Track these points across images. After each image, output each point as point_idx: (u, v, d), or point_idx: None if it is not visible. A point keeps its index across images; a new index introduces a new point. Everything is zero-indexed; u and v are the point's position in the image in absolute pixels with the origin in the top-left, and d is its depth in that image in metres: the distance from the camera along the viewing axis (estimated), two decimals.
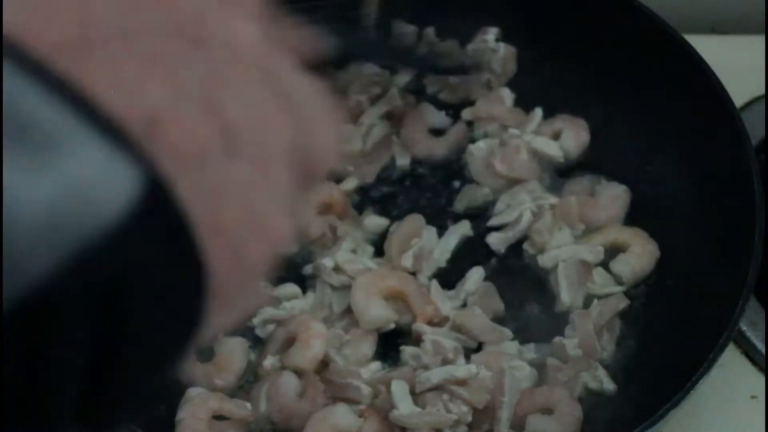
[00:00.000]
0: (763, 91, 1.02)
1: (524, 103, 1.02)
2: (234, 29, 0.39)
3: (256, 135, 0.38)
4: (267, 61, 0.40)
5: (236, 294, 0.38)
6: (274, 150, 0.39)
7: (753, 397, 0.89)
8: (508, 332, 0.87)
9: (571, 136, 0.99)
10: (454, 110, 1.01)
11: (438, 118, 1.01)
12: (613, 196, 0.95)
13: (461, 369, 0.83)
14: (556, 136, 0.99)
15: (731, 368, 0.89)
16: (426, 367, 0.83)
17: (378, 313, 0.86)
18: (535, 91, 1.02)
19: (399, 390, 0.82)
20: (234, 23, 0.39)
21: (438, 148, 1.00)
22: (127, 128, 0.32)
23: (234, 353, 0.86)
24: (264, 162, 0.38)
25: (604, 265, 0.91)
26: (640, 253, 0.91)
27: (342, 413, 0.82)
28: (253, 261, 0.38)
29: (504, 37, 1.02)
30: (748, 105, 1.02)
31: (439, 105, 1.02)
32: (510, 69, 1.01)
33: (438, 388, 0.82)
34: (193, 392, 0.84)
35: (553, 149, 0.98)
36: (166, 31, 0.37)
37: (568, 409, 0.82)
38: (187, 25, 0.37)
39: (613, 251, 0.92)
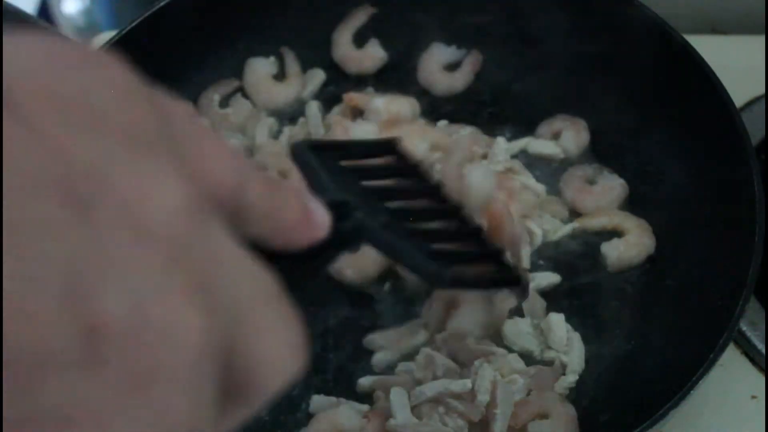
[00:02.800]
0: (763, 91, 1.02)
1: (524, 104, 1.02)
2: (144, 190, 0.29)
3: (141, 338, 0.28)
4: (187, 237, 0.30)
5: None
6: (168, 362, 0.28)
7: (753, 397, 0.89)
8: (501, 351, 0.87)
9: (571, 136, 0.99)
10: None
11: (449, 53, 1.04)
12: (608, 187, 0.96)
13: (456, 383, 0.83)
14: (556, 136, 1.00)
15: (731, 368, 0.89)
16: (419, 382, 0.84)
17: None
18: (535, 90, 1.03)
19: (398, 399, 0.82)
20: (145, 182, 0.29)
21: (456, 81, 1.04)
22: None
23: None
24: (147, 379, 0.28)
25: (595, 246, 0.93)
26: (634, 243, 0.92)
27: (345, 413, 0.82)
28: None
29: (504, 38, 1.02)
30: (748, 105, 1.02)
31: (451, 40, 1.04)
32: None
33: (434, 401, 0.83)
34: None
35: (550, 149, 0.99)
36: (44, 188, 0.27)
37: (562, 410, 0.83)
38: (77, 180, 0.28)
39: (611, 235, 0.94)
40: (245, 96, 1.03)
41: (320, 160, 0.57)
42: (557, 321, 0.88)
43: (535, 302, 0.90)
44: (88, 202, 0.28)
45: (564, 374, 0.87)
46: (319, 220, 0.41)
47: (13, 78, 0.28)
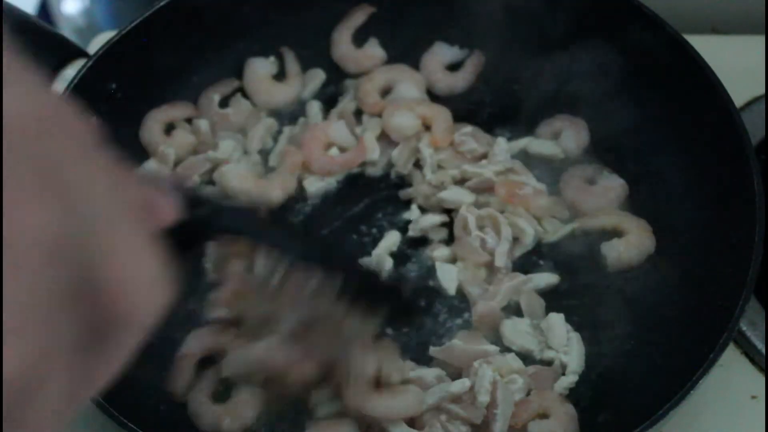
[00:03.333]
0: (763, 91, 1.03)
1: (524, 104, 1.02)
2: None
3: None
4: (41, 139, 0.30)
5: None
6: (10, 244, 0.28)
7: (753, 397, 0.89)
8: (493, 348, 0.87)
9: (571, 136, 0.99)
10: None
11: (452, 53, 1.05)
12: (608, 187, 0.96)
13: (455, 384, 0.83)
14: (556, 136, 1.00)
15: (731, 368, 0.89)
16: None
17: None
18: (535, 91, 1.03)
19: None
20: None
21: (458, 81, 1.04)
22: None
23: (248, 402, 0.85)
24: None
25: (595, 246, 0.93)
26: (634, 243, 0.92)
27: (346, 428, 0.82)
28: None
29: (505, 38, 1.02)
30: (748, 105, 1.02)
31: (451, 40, 1.04)
32: None
33: (435, 409, 0.83)
34: None
35: (550, 149, 0.99)
36: None
37: (563, 409, 0.84)
38: None
39: (611, 235, 0.94)
40: (245, 96, 1.03)
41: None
42: (557, 321, 0.88)
43: (534, 302, 0.90)
44: None
45: (564, 374, 0.87)
46: (163, 204, 0.42)
47: None
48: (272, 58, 1.05)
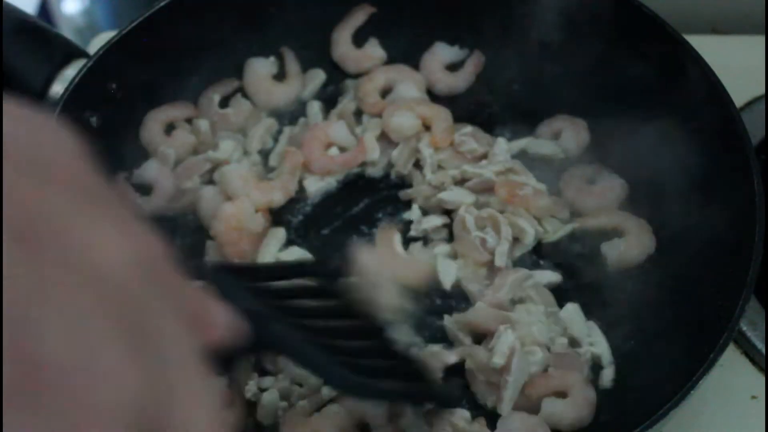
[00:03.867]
0: (763, 91, 1.03)
1: (524, 104, 1.03)
2: (93, 239, 0.30)
3: (77, 378, 0.28)
4: (133, 289, 0.30)
5: None
6: (102, 405, 0.28)
7: (753, 397, 0.89)
8: (520, 315, 0.87)
9: (571, 136, 0.99)
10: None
11: (452, 53, 1.05)
12: (608, 187, 0.96)
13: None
14: (556, 136, 1.00)
15: (731, 368, 0.89)
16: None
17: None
18: (535, 91, 1.03)
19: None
20: (94, 232, 0.31)
21: (458, 81, 1.04)
22: None
23: None
24: (81, 420, 0.28)
25: (595, 246, 0.93)
26: (634, 243, 0.92)
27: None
28: None
29: (505, 38, 1.02)
30: (748, 105, 1.03)
31: (451, 40, 1.04)
32: None
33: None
34: None
35: (550, 149, 0.99)
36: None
37: (583, 392, 0.83)
38: (31, 223, 0.29)
39: (611, 235, 0.94)
40: (245, 96, 1.03)
41: (235, 278, 0.60)
42: (575, 310, 0.88)
43: (544, 293, 0.90)
44: (40, 244, 0.29)
45: (600, 366, 0.87)
46: (219, 320, 0.41)
47: None
48: (272, 59, 1.05)
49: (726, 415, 0.87)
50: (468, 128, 0.99)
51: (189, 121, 1.01)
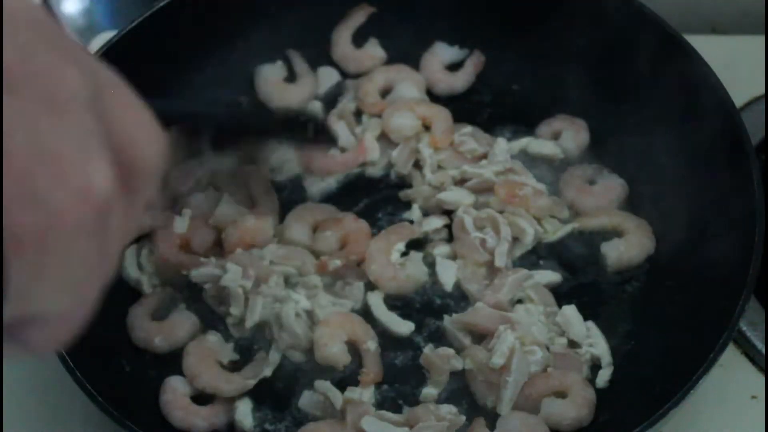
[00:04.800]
0: (763, 91, 1.03)
1: (524, 104, 1.02)
2: (61, 77, 0.41)
3: (39, 77, 0.39)
4: (86, 103, 0.42)
5: (47, 249, 0.37)
6: (63, 93, 0.40)
7: (753, 397, 0.89)
8: (519, 316, 0.87)
9: (570, 136, 0.99)
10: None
11: (452, 52, 1.05)
12: (608, 187, 0.96)
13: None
14: (556, 136, 1.00)
15: (731, 368, 0.89)
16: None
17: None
18: (535, 91, 1.03)
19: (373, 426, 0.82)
20: (63, 69, 0.41)
21: (458, 81, 1.04)
22: None
23: (182, 326, 0.89)
24: (52, 102, 0.39)
25: (595, 246, 0.93)
26: (634, 243, 0.92)
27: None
28: (57, 208, 0.38)
29: (505, 38, 1.02)
30: (748, 105, 1.02)
31: (451, 40, 1.04)
32: None
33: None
34: (173, 381, 0.86)
35: (550, 149, 0.99)
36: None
37: (582, 392, 0.83)
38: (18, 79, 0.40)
39: (611, 235, 0.94)
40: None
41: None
42: (572, 312, 0.88)
43: (544, 293, 0.90)
44: (25, 87, 0.39)
45: (599, 366, 0.87)
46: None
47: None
48: (280, 62, 1.04)
49: (726, 415, 0.87)
50: (468, 128, 0.99)
51: None
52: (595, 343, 0.88)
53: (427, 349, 0.87)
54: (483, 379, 0.84)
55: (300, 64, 1.04)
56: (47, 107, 0.39)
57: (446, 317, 0.89)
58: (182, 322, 0.90)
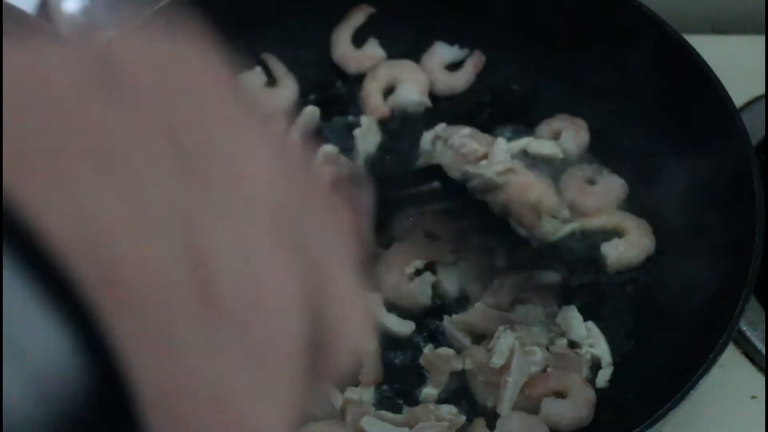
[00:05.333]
0: (763, 91, 1.03)
1: (524, 104, 1.03)
2: (246, 155, 0.30)
3: (252, 295, 0.29)
4: (284, 204, 0.31)
5: None
6: (279, 323, 0.29)
7: (753, 397, 0.89)
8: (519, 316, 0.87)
9: (570, 136, 0.99)
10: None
11: (451, 52, 1.05)
12: (608, 187, 0.96)
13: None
14: (556, 136, 1.00)
15: (731, 368, 0.89)
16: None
17: None
18: (535, 91, 1.03)
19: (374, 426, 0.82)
20: (246, 147, 0.31)
21: (458, 81, 1.04)
22: (82, 298, 0.26)
23: None
24: (261, 341, 0.29)
25: (595, 246, 0.93)
26: (634, 243, 0.92)
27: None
28: None
29: (505, 39, 1.02)
30: (748, 105, 1.02)
31: (451, 40, 1.04)
32: None
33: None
34: None
35: (550, 149, 0.99)
36: (158, 154, 0.28)
37: (582, 392, 0.83)
38: (191, 152, 0.29)
39: (611, 235, 0.94)
40: None
41: None
42: (572, 314, 0.88)
43: (545, 293, 0.90)
44: (195, 159, 0.29)
45: (594, 367, 0.87)
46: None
47: (127, 63, 0.31)
48: (258, 68, 1.04)
49: (726, 415, 0.87)
50: (467, 130, 0.99)
51: None
52: (595, 343, 0.88)
53: (427, 350, 0.87)
54: (483, 379, 0.84)
55: (276, 66, 1.04)
56: (251, 346, 0.29)
57: (446, 317, 0.89)
58: None
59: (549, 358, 0.85)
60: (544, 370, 0.85)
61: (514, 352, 0.83)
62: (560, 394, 0.84)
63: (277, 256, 0.30)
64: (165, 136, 0.29)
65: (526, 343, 0.85)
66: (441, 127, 0.99)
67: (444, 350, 0.86)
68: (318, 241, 0.32)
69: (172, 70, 0.33)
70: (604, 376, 0.86)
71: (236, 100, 0.34)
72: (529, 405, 0.83)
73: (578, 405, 0.83)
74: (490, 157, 0.97)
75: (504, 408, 0.82)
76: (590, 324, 0.89)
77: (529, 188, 0.94)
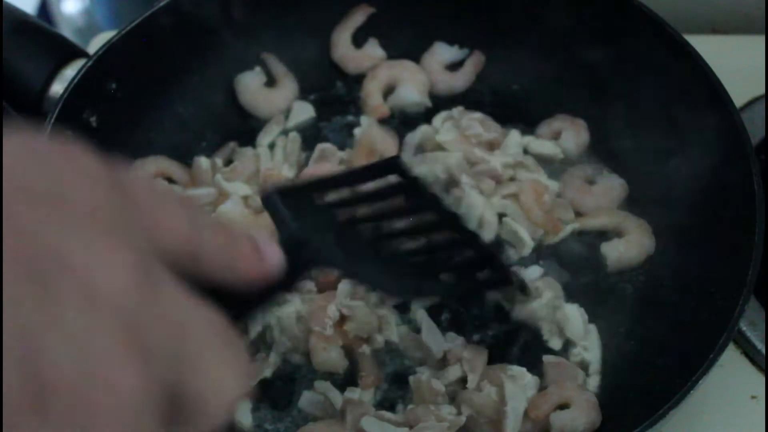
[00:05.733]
0: (763, 91, 1.03)
1: (524, 104, 1.03)
2: (96, 266, 0.35)
3: (86, 394, 0.33)
4: (133, 305, 0.35)
5: None
6: (109, 414, 0.33)
7: (753, 397, 0.89)
8: (483, 350, 0.87)
9: (571, 136, 0.99)
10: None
11: (451, 52, 1.05)
12: (608, 187, 0.96)
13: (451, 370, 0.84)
14: (556, 136, 1.00)
15: (731, 368, 0.89)
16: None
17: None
18: (535, 91, 1.03)
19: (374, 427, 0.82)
20: (98, 258, 0.35)
21: (458, 81, 1.04)
22: None
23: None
24: (89, 427, 0.33)
25: (595, 246, 0.93)
26: (633, 244, 0.92)
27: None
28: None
29: (505, 38, 1.02)
30: (748, 105, 1.02)
31: (451, 40, 1.04)
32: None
33: (424, 401, 0.84)
34: None
35: (550, 149, 0.99)
36: (11, 264, 0.33)
37: (583, 397, 0.84)
38: (40, 258, 0.34)
39: (611, 235, 0.94)
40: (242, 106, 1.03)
41: (290, 202, 0.63)
42: (573, 312, 0.88)
43: (552, 285, 0.90)
44: (48, 277, 0.33)
45: (587, 374, 0.87)
46: (270, 257, 0.48)
47: None
48: (258, 68, 1.04)
49: (726, 415, 0.87)
50: (477, 114, 0.99)
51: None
52: (590, 347, 0.87)
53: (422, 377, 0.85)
54: (485, 420, 0.84)
55: (276, 66, 1.04)
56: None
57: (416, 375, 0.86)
58: None
59: (545, 371, 0.86)
60: (542, 388, 0.85)
61: (504, 383, 0.83)
62: (564, 406, 0.84)
63: (114, 359, 0.34)
64: (23, 261, 0.33)
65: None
66: (457, 110, 1.00)
67: (435, 383, 0.85)
68: (172, 329, 0.36)
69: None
70: (593, 383, 0.86)
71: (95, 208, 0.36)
72: (539, 427, 0.83)
73: (584, 410, 0.83)
74: (502, 148, 0.97)
75: None
76: (591, 327, 0.89)
77: (540, 190, 0.94)
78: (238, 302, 0.47)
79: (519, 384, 0.83)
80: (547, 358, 0.86)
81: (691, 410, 0.84)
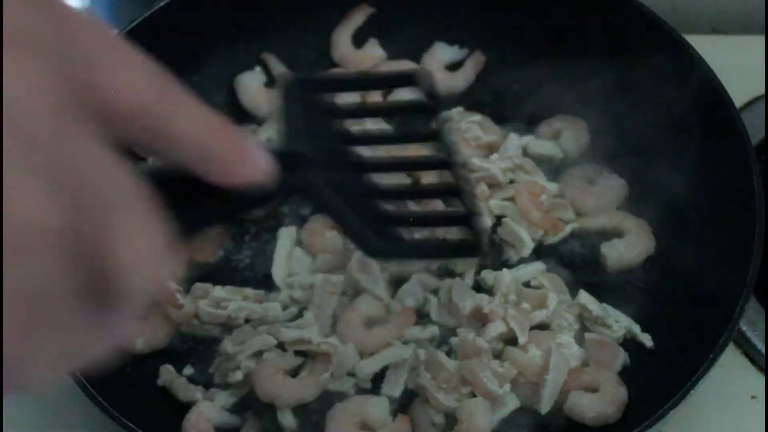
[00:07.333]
0: (763, 91, 1.03)
1: (524, 104, 1.02)
2: (17, 83, 0.32)
3: None
4: (51, 135, 0.32)
5: None
6: (24, 242, 0.31)
7: (753, 397, 0.89)
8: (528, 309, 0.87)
9: (570, 136, 0.99)
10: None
11: (451, 52, 1.05)
12: (608, 187, 0.96)
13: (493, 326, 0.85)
14: (556, 136, 1.00)
15: (731, 368, 0.89)
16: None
17: None
18: (535, 91, 1.03)
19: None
20: (19, 75, 0.32)
21: (458, 81, 1.04)
22: None
23: (160, 326, 0.88)
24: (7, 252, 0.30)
25: (595, 246, 0.93)
26: (634, 244, 0.93)
27: (376, 405, 0.83)
28: None
29: (505, 38, 1.03)
30: (748, 105, 1.02)
31: (451, 40, 1.04)
32: None
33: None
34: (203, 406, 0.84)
35: (550, 149, 0.99)
36: None
37: (613, 389, 0.83)
38: None
39: (611, 235, 0.94)
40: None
41: (307, 100, 0.57)
42: (586, 298, 0.89)
43: (556, 281, 0.90)
44: None
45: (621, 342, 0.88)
46: (258, 163, 0.43)
47: None
48: (258, 68, 1.04)
49: (726, 415, 0.87)
50: (477, 116, 0.99)
51: None
52: (619, 317, 0.88)
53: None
54: (525, 380, 0.84)
55: (276, 67, 1.04)
56: None
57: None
58: (161, 324, 0.88)
59: (587, 347, 0.86)
60: (584, 364, 0.85)
61: (552, 350, 0.83)
62: (591, 389, 0.83)
63: (30, 187, 0.31)
64: None
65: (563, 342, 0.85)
66: (457, 110, 1.00)
67: (479, 341, 0.85)
68: (91, 178, 0.33)
69: None
70: (648, 341, 0.87)
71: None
72: (560, 399, 0.83)
73: (607, 401, 0.83)
74: (501, 151, 0.97)
75: (544, 406, 0.83)
76: (605, 305, 0.89)
77: (537, 192, 0.94)
78: (197, 201, 0.41)
79: (565, 354, 0.84)
80: (588, 336, 0.87)
81: (691, 410, 0.84)
